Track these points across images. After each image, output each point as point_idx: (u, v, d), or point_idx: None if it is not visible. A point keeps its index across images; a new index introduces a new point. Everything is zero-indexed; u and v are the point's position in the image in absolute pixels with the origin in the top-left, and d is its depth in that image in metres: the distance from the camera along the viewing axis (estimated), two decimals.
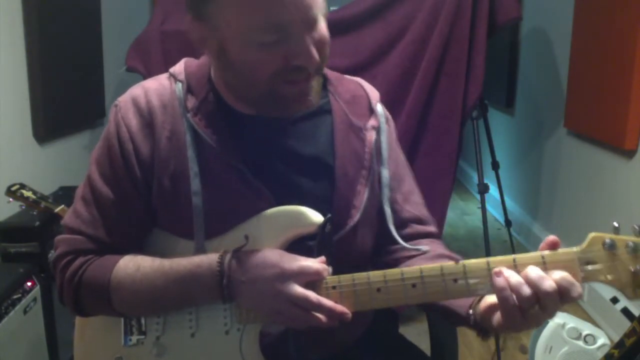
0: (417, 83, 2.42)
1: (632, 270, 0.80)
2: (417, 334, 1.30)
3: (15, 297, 1.76)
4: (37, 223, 1.98)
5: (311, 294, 0.86)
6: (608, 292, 2.44)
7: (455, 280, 0.85)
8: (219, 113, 0.97)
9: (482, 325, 0.88)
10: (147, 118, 0.96)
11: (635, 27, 2.35)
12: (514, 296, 0.79)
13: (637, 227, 0.79)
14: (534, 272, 0.80)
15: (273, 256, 0.89)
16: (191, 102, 0.97)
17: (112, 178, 0.96)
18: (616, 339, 1.56)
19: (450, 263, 0.86)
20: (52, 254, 2.03)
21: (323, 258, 0.90)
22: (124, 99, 0.99)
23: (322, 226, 0.93)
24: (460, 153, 2.53)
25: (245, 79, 0.92)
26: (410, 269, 0.87)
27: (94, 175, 0.97)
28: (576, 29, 2.96)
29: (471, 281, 0.84)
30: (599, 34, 2.70)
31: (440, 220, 2.50)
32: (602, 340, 2.01)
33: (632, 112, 2.39)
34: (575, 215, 3.09)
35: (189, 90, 0.98)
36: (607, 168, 2.71)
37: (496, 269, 0.82)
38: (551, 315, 0.81)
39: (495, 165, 2.95)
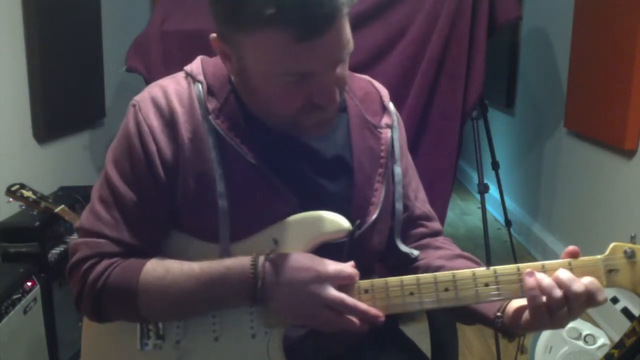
0: (417, 83, 2.42)
1: None
2: (417, 333, 1.29)
3: (15, 297, 1.76)
4: (37, 223, 1.98)
5: (347, 297, 0.86)
6: (608, 292, 2.43)
7: (487, 285, 0.88)
8: (240, 115, 0.95)
9: (508, 328, 0.91)
10: (169, 119, 0.93)
11: (635, 27, 2.35)
12: (544, 297, 0.83)
13: None
14: (564, 274, 0.84)
15: (305, 259, 0.88)
16: (212, 104, 0.94)
17: (133, 179, 0.93)
18: (616, 339, 1.56)
19: (482, 268, 0.89)
20: (53, 253, 2.04)
21: (352, 263, 0.90)
22: (143, 99, 0.96)
23: (352, 232, 0.93)
24: (460, 153, 2.53)
25: (266, 108, 0.92)
26: (442, 273, 0.89)
27: (113, 176, 0.94)
28: (576, 29, 2.96)
29: (502, 285, 0.88)
30: (599, 34, 2.69)
31: (440, 220, 2.46)
32: (602, 340, 2.01)
33: (632, 112, 2.39)
34: (575, 215, 3.09)
35: (209, 91, 0.95)
36: (607, 168, 2.71)
37: (528, 270, 0.86)
38: (576, 317, 0.85)
39: (495, 165, 2.95)
